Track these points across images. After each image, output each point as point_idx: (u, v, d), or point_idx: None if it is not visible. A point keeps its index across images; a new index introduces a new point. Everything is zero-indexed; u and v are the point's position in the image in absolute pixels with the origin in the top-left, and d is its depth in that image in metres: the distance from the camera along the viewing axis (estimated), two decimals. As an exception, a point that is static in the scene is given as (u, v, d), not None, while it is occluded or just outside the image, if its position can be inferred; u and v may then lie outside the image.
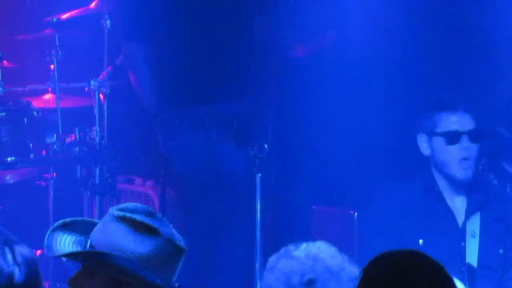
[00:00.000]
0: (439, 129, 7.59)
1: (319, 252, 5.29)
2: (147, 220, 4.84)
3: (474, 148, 7.55)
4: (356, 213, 8.32)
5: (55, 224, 4.97)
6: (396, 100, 8.90)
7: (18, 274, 4.77)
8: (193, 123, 8.97)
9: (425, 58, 9.42)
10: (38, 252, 8.13)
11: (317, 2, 9.50)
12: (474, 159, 7.59)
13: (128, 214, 4.83)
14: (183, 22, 8.91)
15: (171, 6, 8.86)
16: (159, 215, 4.98)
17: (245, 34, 9.15)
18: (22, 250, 4.89)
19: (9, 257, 4.80)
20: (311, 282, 5.25)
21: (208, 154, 9.03)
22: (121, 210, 4.86)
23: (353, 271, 5.18)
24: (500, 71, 9.03)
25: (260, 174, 7.74)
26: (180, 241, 4.91)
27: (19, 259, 4.82)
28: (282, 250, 5.29)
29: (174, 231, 4.94)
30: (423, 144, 7.64)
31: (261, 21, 9.30)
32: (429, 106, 7.77)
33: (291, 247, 5.29)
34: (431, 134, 7.60)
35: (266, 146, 7.82)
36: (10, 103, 8.64)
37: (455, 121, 7.58)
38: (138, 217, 4.82)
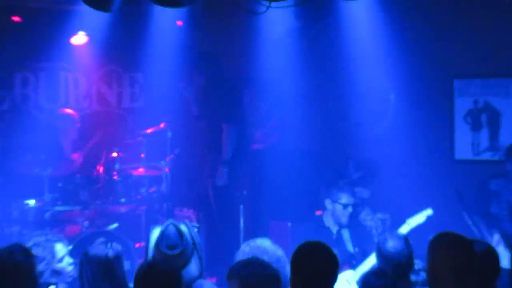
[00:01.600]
0: (340, 201, 7.80)
1: (263, 243, 5.81)
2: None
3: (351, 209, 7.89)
4: (290, 224, 8.97)
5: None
6: (307, 169, 9.39)
7: (110, 253, 5.63)
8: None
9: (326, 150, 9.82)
10: (137, 244, 8.91)
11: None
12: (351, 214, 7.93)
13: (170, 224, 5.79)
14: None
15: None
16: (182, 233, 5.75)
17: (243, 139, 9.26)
18: (116, 245, 5.72)
19: (108, 245, 5.67)
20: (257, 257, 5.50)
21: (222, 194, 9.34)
22: (172, 224, 5.79)
23: (279, 254, 5.66)
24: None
25: (242, 205, 8.63)
26: (164, 248, 5.68)
27: (114, 247, 5.69)
28: (246, 242, 5.91)
29: (177, 243, 5.69)
30: (329, 205, 7.89)
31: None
32: (334, 187, 7.98)
33: (250, 241, 5.90)
34: (335, 201, 7.84)
35: (245, 192, 8.71)
36: (122, 174, 9.06)
37: (346, 198, 7.83)
38: (172, 226, 5.77)
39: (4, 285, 4.99)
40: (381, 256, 5.95)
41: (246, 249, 5.82)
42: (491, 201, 8.43)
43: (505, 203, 8.42)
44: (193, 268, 5.77)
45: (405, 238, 6.04)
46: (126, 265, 8.10)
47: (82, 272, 5.66)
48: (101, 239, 5.77)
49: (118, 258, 5.66)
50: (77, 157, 9.62)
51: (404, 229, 7.36)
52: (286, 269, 5.55)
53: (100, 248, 5.69)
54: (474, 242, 5.26)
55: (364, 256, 7.63)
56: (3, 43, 9.54)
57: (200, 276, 5.83)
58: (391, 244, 5.88)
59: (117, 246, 5.73)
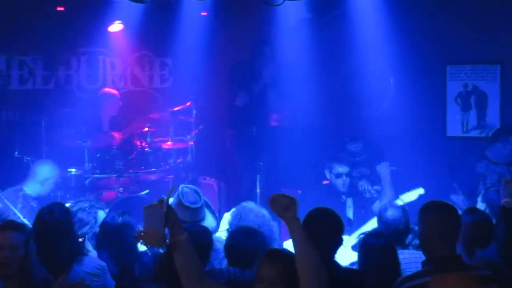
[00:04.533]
0: (334, 171, 7.90)
1: (248, 205, 6.07)
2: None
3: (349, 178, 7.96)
4: (299, 192, 8.79)
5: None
6: (316, 144, 9.13)
7: (119, 221, 5.58)
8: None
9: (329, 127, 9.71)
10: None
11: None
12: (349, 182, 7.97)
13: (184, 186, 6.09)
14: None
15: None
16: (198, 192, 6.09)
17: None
18: (127, 216, 5.61)
19: (118, 216, 5.61)
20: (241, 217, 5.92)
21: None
22: (185, 186, 6.11)
23: (263, 212, 5.91)
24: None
25: (258, 175, 8.75)
26: (188, 203, 5.92)
27: (124, 217, 5.59)
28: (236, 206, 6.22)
29: (196, 200, 5.99)
30: (327, 175, 8.03)
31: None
32: (332, 158, 8.05)
33: (243, 203, 6.21)
34: (331, 170, 7.95)
35: (261, 163, 8.78)
36: (153, 146, 9.08)
37: (342, 168, 7.89)
38: (186, 187, 6.07)
39: (46, 241, 5.05)
40: (381, 222, 5.95)
41: (235, 211, 6.03)
42: (478, 183, 8.33)
43: (490, 185, 8.30)
44: (210, 220, 6.12)
45: (403, 208, 6.05)
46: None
47: (97, 237, 5.75)
48: (119, 212, 5.79)
49: (125, 226, 5.60)
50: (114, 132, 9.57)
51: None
52: (270, 224, 5.84)
53: (110, 218, 5.74)
54: (473, 211, 5.43)
55: (365, 218, 7.62)
56: (49, 31, 9.50)
57: (217, 227, 6.12)
58: (390, 213, 5.89)
59: (128, 218, 5.69)
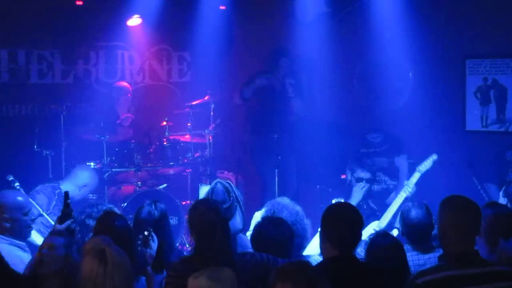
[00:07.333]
0: (355, 174, 8.00)
1: (282, 200, 5.88)
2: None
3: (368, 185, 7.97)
4: (318, 186, 9.08)
5: None
6: (334, 138, 9.20)
7: (156, 214, 5.50)
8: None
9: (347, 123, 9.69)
10: (184, 202, 8.85)
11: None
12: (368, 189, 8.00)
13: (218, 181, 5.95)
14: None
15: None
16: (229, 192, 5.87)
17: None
18: (159, 204, 5.55)
19: (153, 207, 5.50)
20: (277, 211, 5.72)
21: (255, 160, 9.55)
22: (220, 182, 5.91)
23: (297, 209, 5.70)
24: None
25: (277, 170, 8.69)
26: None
27: (158, 207, 5.53)
28: (269, 201, 6.01)
29: (225, 199, 5.77)
30: (348, 175, 8.14)
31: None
32: (356, 161, 8.16)
33: (272, 200, 6.08)
34: (353, 173, 8.08)
35: (280, 157, 8.72)
36: (171, 140, 9.13)
37: (362, 174, 8.00)
38: (220, 184, 5.92)
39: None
40: (405, 224, 5.81)
41: (269, 206, 5.85)
42: (507, 170, 8.30)
43: None
44: (237, 221, 5.81)
45: (426, 207, 5.90)
46: (174, 220, 8.47)
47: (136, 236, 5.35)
48: (147, 202, 5.63)
49: (163, 216, 5.51)
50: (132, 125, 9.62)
51: (415, 176, 7.54)
52: (304, 222, 5.66)
53: (146, 212, 5.56)
54: (493, 204, 5.31)
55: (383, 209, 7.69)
56: (68, 25, 9.51)
57: (243, 229, 5.86)
58: (414, 213, 5.76)
59: (161, 206, 5.59)
